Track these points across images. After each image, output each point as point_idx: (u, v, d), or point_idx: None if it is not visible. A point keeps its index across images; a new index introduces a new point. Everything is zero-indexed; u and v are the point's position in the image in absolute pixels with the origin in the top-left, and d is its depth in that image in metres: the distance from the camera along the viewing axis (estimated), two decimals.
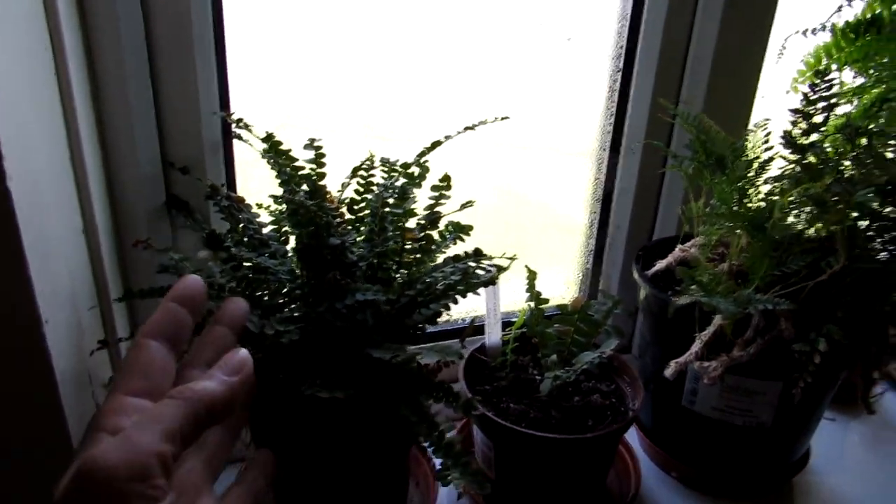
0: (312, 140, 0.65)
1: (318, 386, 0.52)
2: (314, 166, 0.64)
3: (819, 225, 0.62)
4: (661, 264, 0.81)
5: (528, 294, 0.81)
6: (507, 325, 0.84)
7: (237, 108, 0.76)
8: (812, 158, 0.67)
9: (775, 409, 0.73)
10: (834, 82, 0.67)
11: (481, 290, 0.63)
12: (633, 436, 0.87)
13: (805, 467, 0.85)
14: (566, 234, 1.04)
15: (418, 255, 0.68)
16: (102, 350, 0.65)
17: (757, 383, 0.71)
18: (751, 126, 0.83)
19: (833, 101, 0.65)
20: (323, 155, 0.64)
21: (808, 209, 0.61)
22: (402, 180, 0.72)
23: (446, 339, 0.94)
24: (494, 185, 1.02)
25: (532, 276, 0.80)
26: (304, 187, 0.65)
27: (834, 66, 0.90)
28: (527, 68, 0.92)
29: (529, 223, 1.05)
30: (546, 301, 0.80)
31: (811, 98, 0.65)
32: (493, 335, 0.83)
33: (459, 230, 0.72)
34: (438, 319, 0.64)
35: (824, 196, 0.57)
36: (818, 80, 0.65)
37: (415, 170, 0.72)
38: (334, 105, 0.89)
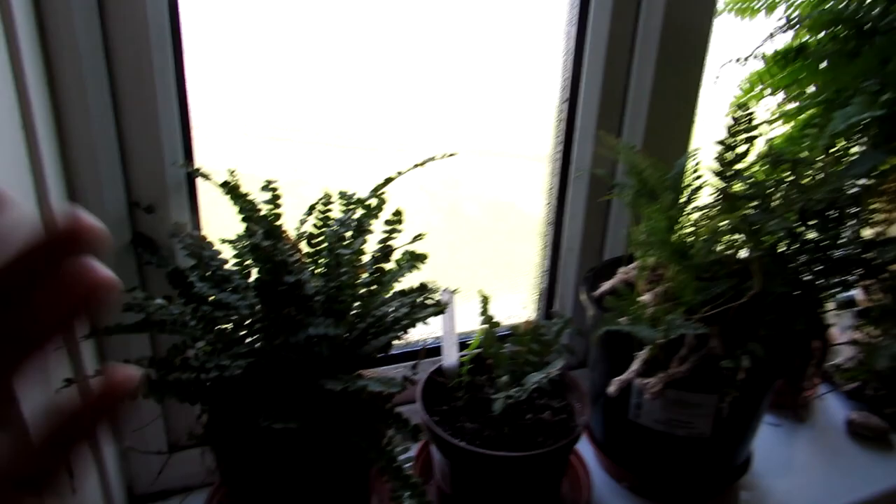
0: (269, 182, 0.69)
1: (274, 417, 0.55)
2: (271, 206, 0.68)
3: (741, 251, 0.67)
4: (606, 285, 0.86)
5: (482, 318, 0.85)
6: (467, 345, 0.88)
7: (206, 116, 0.79)
8: (738, 186, 0.72)
9: (713, 419, 0.78)
10: (754, 115, 0.72)
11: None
12: (586, 448, 0.92)
13: (747, 472, 0.90)
14: (533, 239, 1.08)
15: (373, 287, 0.72)
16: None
17: (694, 397, 0.76)
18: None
19: (753, 133, 0.70)
20: (279, 196, 0.68)
21: (730, 237, 0.66)
22: (360, 212, 0.76)
23: (409, 359, 0.97)
24: (470, 191, 1.07)
25: (485, 300, 0.85)
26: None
27: (767, 91, 0.96)
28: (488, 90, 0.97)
29: (499, 228, 1.10)
30: (498, 324, 0.85)
31: (734, 130, 0.71)
32: (451, 357, 0.87)
33: (415, 259, 0.76)
34: (397, 342, 0.69)
35: (740, 226, 0.63)
36: (740, 114, 0.70)
37: (373, 201, 0.76)
38: (293, 111, 0.93)
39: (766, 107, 0.92)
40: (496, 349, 0.85)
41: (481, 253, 1.10)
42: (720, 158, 0.71)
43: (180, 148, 0.76)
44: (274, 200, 0.68)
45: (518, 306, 1.11)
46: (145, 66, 0.70)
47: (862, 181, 0.69)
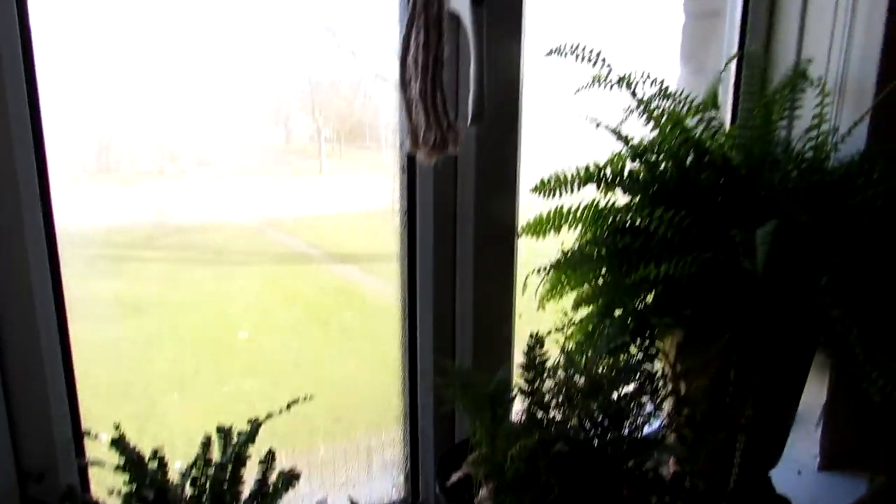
0: (156, 451, 0.81)
1: None
2: (158, 474, 0.79)
3: None
4: (455, 476, 1.02)
5: None
6: None
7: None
8: (545, 398, 0.93)
9: None
10: (544, 338, 0.94)
11: None
12: None
13: None
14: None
15: None
16: None
17: None
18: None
19: (545, 360, 0.91)
20: (166, 464, 0.80)
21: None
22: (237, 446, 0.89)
23: None
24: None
25: None
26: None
27: (567, 289, 1.20)
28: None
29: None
30: None
31: (530, 357, 0.92)
32: None
33: (289, 480, 0.90)
34: None
35: (536, 448, 0.82)
36: (533, 343, 0.92)
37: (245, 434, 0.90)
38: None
39: (563, 308, 1.16)
40: None
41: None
42: (523, 378, 0.92)
43: (68, 417, 0.86)
44: (161, 468, 0.80)
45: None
46: (34, 359, 0.81)
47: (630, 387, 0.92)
